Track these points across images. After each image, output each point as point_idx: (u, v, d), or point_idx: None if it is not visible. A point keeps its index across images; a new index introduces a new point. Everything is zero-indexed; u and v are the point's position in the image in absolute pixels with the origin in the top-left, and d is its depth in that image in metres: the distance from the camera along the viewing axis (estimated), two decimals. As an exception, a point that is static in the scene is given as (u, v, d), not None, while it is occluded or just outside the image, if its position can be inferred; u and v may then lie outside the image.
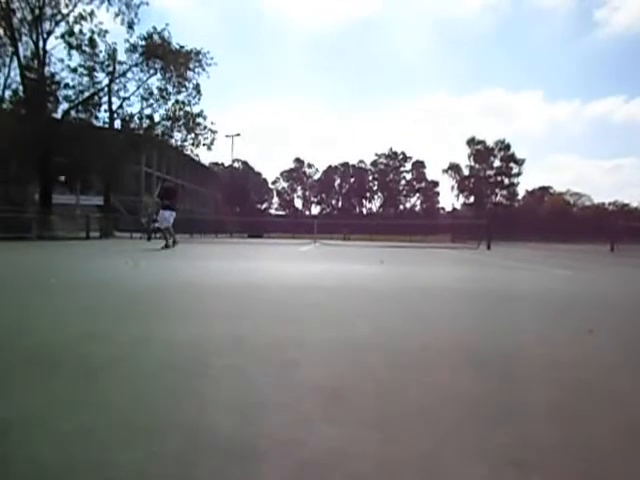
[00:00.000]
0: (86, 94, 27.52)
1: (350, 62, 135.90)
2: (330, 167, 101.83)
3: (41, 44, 26.14)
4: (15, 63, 25.67)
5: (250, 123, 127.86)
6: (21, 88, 26.07)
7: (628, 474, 1.12)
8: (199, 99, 29.70)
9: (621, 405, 1.58)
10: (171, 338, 2.38)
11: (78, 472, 1.06)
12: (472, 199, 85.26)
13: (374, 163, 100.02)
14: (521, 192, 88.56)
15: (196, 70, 29.05)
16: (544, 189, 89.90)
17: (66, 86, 26.99)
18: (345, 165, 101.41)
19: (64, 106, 27.38)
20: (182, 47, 28.48)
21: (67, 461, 1.11)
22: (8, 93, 26.35)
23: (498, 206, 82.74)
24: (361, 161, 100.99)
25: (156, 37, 28.01)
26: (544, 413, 1.48)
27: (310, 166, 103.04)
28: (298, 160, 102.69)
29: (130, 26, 27.54)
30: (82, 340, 2.29)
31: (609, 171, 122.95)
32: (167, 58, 28.02)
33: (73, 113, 27.53)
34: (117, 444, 1.19)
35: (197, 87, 29.50)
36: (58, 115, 27.15)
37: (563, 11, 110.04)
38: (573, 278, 7.16)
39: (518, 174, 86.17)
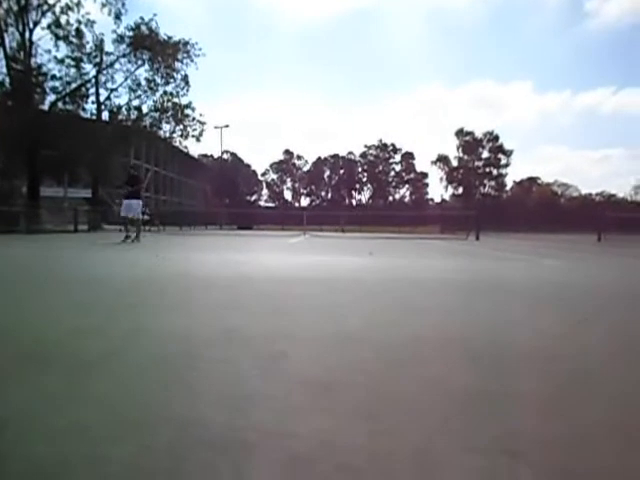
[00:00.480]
0: (73, 85, 27.24)
1: (342, 54, 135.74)
2: (319, 159, 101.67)
3: (27, 35, 25.81)
4: (1, 54, 25.35)
5: (240, 115, 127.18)
6: (7, 80, 25.74)
7: (620, 464, 1.15)
8: (187, 90, 29.51)
9: (612, 395, 1.61)
10: (161, 331, 2.38)
11: (72, 468, 1.07)
12: (461, 190, 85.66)
13: (363, 155, 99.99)
14: (510, 183, 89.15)
15: (184, 61, 28.85)
16: (532, 180, 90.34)
17: (53, 77, 26.69)
18: (335, 157, 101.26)
19: (51, 98, 27.09)
20: (170, 38, 28.24)
21: (61, 457, 1.11)
22: (-6, 85, 26.04)
23: (487, 197, 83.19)
24: (350, 152, 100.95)
25: (144, 28, 27.74)
26: (537, 404, 1.50)
27: (300, 158, 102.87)
28: (287, 152, 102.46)
29: (117, 17, 27.27)
30: (74, 335, 2.29)
31: (597, 162, 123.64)
32: (155, 49, 27.78)
33: (60, 105, 27.23)
34: (109, 439, 1.20)
35: (185, 78, 29.29)
36: (45, 107, 26.86)
37: (555, 1, 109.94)
38: (561, 268, 7.23)
39: (506, 165, 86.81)
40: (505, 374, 1.80)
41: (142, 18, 27.89)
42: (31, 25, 25.90)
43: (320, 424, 1.30)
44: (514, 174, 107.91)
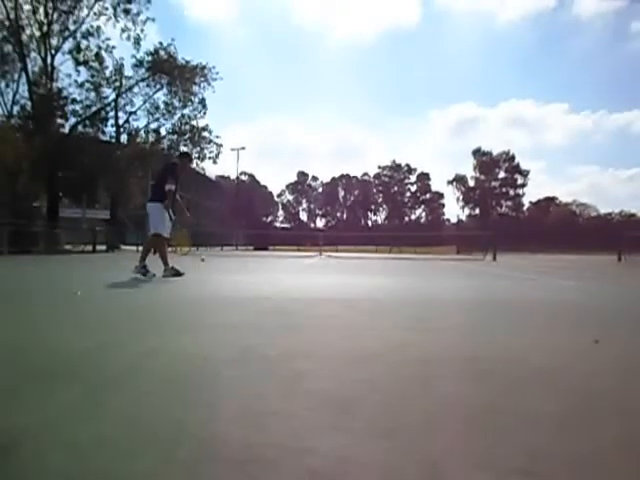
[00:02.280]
0: (93, 109, 27.80)
1: (362, 76, 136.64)
2: (334, 179, 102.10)
3: (49, 60, 26.49)
4: (24, 79, 26.01)
5: (258, 136, 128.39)
6: (29, 104, 26.37)
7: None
8: (204, 113, 29.96)
9: (626, 415, 1.59)
10: (182, 349, 2.40)
11: (92, 480, 1.08)
12: (477, 210, 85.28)
13: (377, 175, 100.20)
14: (527, 203, 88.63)
15: (202, 85, 29.33)
16: (550, 199, 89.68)
17: (73, 101, 27.28)
18: (347, 177, 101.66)
19: (71, 121, 27.65)
20: (188, 62, 28.76)
21: (79, 471, 1.13)
22: (16, 109, 26.67)
23: (504, 217, 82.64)
24: (365, 174, 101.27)
25: (162, 52, 28.31)
26: (550, 423, 1.49)
27: (315, 179, 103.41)
28: (303, 173, 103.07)
29: (137, 42, 27.86)
30: (96, 350, 2.32)
31: (627, 180, 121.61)
32: (173, 73, 28.31)
33: (80, 128, 27.78)
34: (129, 453, 1.22)
35: (202, 101, 29.76)
36: (66, 130, 27.40)
37: (600, 22, 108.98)
38: (580, 289, 7.14)
39: (523, 185, 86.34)
40: (518, 393, 1.79)
41: (161, 43, 28.49)
42: (53, 50, 26.59)
43: (337, 441, 1.30)
44: (544, 192, 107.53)
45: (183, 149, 29.69)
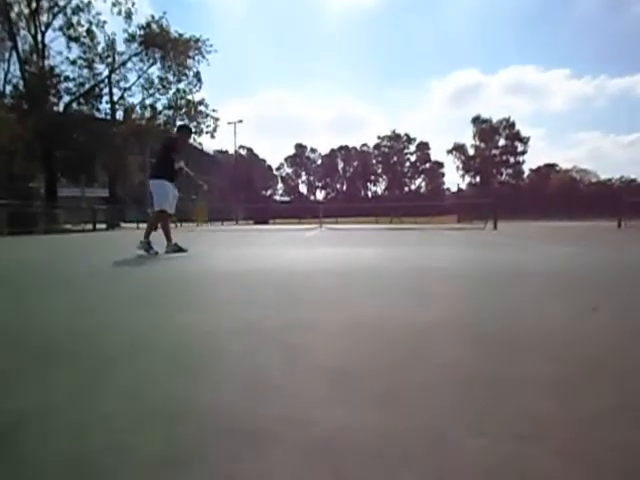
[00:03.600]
0: (87, 86, 27.57)
1: (359, 46, 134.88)
2: (333, 150, 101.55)
3: (40, 37, 26.18)
4: (15, 57, 25.70)
5: (255, 109, 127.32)
6: (22, 82, 26.11)
7: (629, 445, 1.15)
8: (200, 87, 29.74)
9: (625, 378, 1.60)
10: (183, 325, 2.42)
11: (96, 457, 1.10)
12: (478, 179, 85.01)
13: (377, 146, 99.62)
14: (527, 171, 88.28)
15: (196, 58, 29.00)
16: (550, 167, 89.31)
17: (66, 79, 27.05)
18: (345, 148, 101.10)
19: (65, 99, 27.46)
20: (181, 35, 28.41)
21: (86, 447, 1.15)
22: (9, 88, 26.49)
23: (504, 185, 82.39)
24: (364, 144, 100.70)
25: (154, 26, 27.93)
26: (549, 388, 1.50)
27: (314, 151, 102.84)
28: (301, 146, 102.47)
29: (128, 16, 27.47)
30: (97, 329, 2.33)
31: (628, 146, 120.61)
32: (166, 47, 27.96)
33: (75, 106, 27.58)
34: (134, 429, 1.24)
35: (197, 75, 29.50)
36: (60, 108, 27.18)
37: None
38: (579, 255, 7.15)
39: (523, 152, 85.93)
40: (517, 359, 1.80)
41: (152, 16, 28.12)
42: (43, 27, 26.28)
43: (338, 411, 1.32)
44: (544, 159, 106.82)
45: (180, 124, 29.48)
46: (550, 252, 7.78)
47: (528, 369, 1.68)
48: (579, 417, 1.29)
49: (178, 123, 29.31)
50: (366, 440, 1.16)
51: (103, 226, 25.89)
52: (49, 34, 26.70)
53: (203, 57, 29.13)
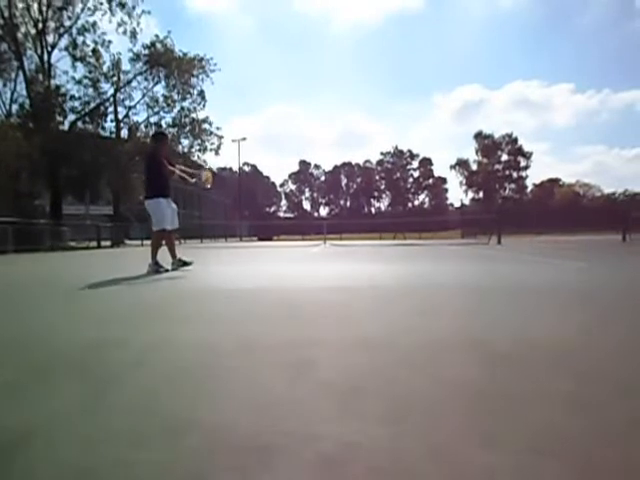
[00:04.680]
0: (92, 105, 27.83)
1: (365, 64, 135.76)
2: (336, 167, 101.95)
3: (46, 57, 26.50)
4: (21, 77, 26.02)
5: (259, 126, 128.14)
6: (28, 102, 26.37)
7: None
8: (204, 105, 29.98)
9: (636, 394, 1.58)
10: (186, 342, 2.41)
11: (100, 473, 1.09)
12: (481, 194, 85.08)
13: (380, 162, 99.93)
14: (531, 185, 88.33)
15: (200, 77, 29.27)
16: (553, 181, 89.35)
17: (72, 98, 27.33)
18: (349, 164, 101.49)
19: (71, 117, 27.72)
20: (185, 54, 28.72)
21: (90, 462, 1.14)
22: (15, 107, 26.73)
23: (507, 200, 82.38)
24: (367, 161, 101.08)
25: (159, 45, 28.24)
26: (559, 403, 1.49)
27: (317, 167, 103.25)
28: (304, 162, 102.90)
29: (133, 35, 27.78)
30: (101, 345, 2.33)
31: (632, 160, 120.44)
32: (171, 65, 28.25)
33: (80, 124, 27.83)
34: (137, 445, 1.22)
35: (201, 93, 29.77)
36: (65, 127, 27.41)
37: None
38: (584, 270, 7.12)
39: (526, 167, 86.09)
40: (525, 375, 1.78)
41: (157, 36, 28.46)
42: (49, 48, 26.60)
43: (345, 427, 1.31)
44: (548, 174, 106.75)
45: (184, 142, 29.69)
46: (557, 266, 7.75)
47: (540, 384, 1.67)
48: (594, 432, 1.27)
49: (183, 141, 29.52)
50: (374, 456, 1.15)
51: (108, 243, 25.95)
52: (55, 54, 27.09)
53: (207, 76, 29.45)
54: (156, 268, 7.05)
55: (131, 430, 1.31)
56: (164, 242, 7.61)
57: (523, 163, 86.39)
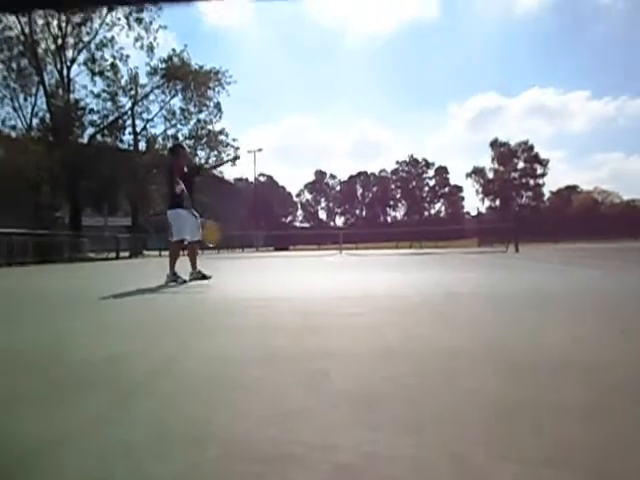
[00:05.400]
0: (110, 118, 28.22)
1: (382, 73, 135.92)
2: (352, 176, 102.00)
3: (65, 72, 26.96)
4: (41, 92, 26.49)
5: (275, 137, 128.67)
6: (48, 115, 26.82)
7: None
8: (220, 117, 30.23)
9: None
10: (206, 352, 2.43)
11: (123, 482, 1.11)
12: (498, 202, 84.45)
13: (395, 171, 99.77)
14: (548, 193, 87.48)
15: (216, 89, 29.56)
16: (571, 188, 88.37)
17: (91, 111, 27.77)
18: (364, 174, 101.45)
19: (90, 131, 28.11)
20: (201, 67, 29.04)
21: (108, 474, 1.15)
22: (36, 121, 27.20)
23: (524, 208, 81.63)
24: (382, 170, 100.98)
25: (176, 59, 28.59)
26: (578, 414, 1.47)
27: (333, 177, 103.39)
28: (320, 172, 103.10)
29: (150, 50, 28.16)
30: (121, 357, 2.36)
31: None
32: (187, 79, 28.59)
33: (99, 137, 28.21)
34: (157, 456, 1.23)
35: (218, 105, 30.06)
36: (84, 140, 27.81)
37: (622, 4, 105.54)
38: (604, 278, 7.04)
39: (543, 175, 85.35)
40: (545, 384, 1.77)
41: (174, 50, 28.81)
42: (68, 63, 27.06)
43: (363, 437, 1.31)
44: (565, 181, 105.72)
45: (201, 154, 29.93)
46: (576, 275, 7.67)
47: (557, 394, 1.66)
48: (610, 442, 1.27)
49: (199, 153, 29.73)
50: (392, 466, 1.15)
51: (126, 254, 26.19)
52: (74, 69, 27.56)
53: (223, 88, 29.74)
54: (174, 278, 7.09)
55: (150, 441, 1.33)
56: (186, 253, 7.71)
57: (540, 170, 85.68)
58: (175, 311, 4.29)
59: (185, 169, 7.68)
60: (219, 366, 2.15)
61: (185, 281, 7.12)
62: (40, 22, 25.69)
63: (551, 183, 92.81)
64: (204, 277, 7.40)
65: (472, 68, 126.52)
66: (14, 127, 26.62)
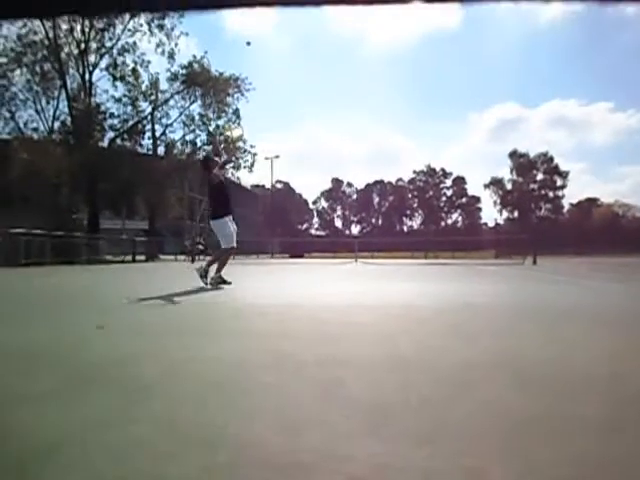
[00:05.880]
0: (130, 122, 28.49)
1: (401, 82, 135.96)
2: (368, 185, 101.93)
3: (87, 76, 27.29)
4: (63, 95, 26.85)
5: (292, 144, 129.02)
6: (69, 119, 27.17)
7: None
8: (239, 123, 30.34)
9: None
10: (219, 356, 2.42)
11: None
12: (516, 214, 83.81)
13: (412, 181, 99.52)
14: (568, 205, 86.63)
15: (235, 96, 29.72)
16: (591, 200, 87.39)
17: (111, 115, 28.03)
18: (381, 183, 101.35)
19: (110, 135, 28.40)
20: (221, 74, 29.21)
21: (122, 473, 1.14)
22: (57, 124, 27.54)
23: (543, 220, 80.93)
24: (399, 179, 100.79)
25: (196, 65, 28.82)
26: (595, 429, 1.43)
27: (350, 185, 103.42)
28: (337, 180, 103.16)
29: (171, 56, 28.44)
30: (134, 357, 2.35)
31: None
32: (207, 85, 28.78)
33: (119, 141, 28.49)
34: (169, 457, 1.22)
35: (236, 112, 30.17)
36: (104, 143, 28.12)
37: None
38: (623, 292, 6.92)
39: (562, 187, 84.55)
40: (561, 398, 1.73)
41: (194, 56, 29.04)
42: (90, 67, 27.40)
43: (375, 447, 1.28)
44: (586, 193, 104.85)
45: (216, 160, 30.03)
46: (594, 288, 7.55)
47: (574, 408, 1.61)
48: (628, 459, 1.21)
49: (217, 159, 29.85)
50: (405, 478, 1.12)
51: (142, 257, 26.37)
52: (96, 73, 27.88)
53: (242, 95, 29.89)
54: (220, 281, 7.37)
55: (161, 442, 1.31)
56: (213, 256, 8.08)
57: (559, 182, 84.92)
58: (189, 314, 4.29)
59: (222, 178, 8.27)
60: (232, 370, 2.15)
61: (230, 283, 7.38)
62: (64, 27, 26.09)
63: (571, 195, 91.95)
64: (224, 282, 7.50)
65: (493, 78, 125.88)
66: (36, 129, 26.98)
